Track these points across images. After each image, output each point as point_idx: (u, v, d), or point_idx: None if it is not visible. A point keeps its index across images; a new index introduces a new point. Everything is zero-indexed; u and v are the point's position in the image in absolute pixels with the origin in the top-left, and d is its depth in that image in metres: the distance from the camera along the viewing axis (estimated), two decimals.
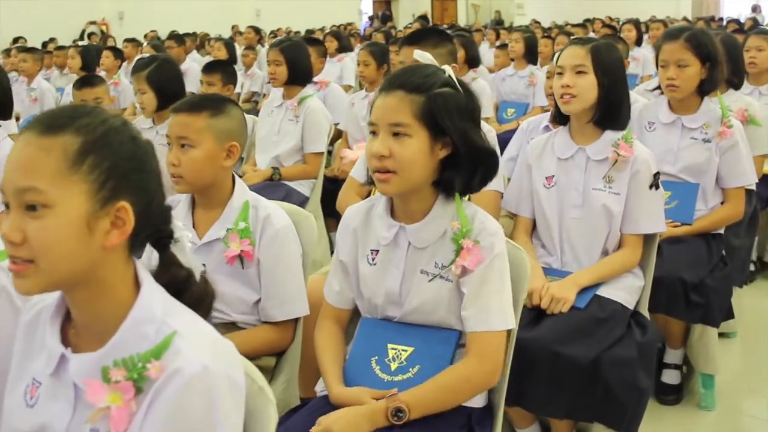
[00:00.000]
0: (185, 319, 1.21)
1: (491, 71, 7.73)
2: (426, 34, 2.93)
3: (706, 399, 3.13)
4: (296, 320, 2.27)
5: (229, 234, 2.18)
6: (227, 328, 2.21)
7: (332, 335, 2.03)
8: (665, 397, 3.16)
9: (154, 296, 1.20)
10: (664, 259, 2.90)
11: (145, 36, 16.59)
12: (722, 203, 3.25)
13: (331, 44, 8.58)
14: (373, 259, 1.94)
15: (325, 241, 4.46)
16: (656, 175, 2.61)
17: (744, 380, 3.45)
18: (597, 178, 2.62)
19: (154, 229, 1.25)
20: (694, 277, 2.91)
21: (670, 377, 3.18)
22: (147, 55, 4.74)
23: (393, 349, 1.92)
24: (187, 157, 2.17)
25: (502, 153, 3.77)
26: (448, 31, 4.28)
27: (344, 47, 8.75)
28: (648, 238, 2.66)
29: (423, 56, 1.95)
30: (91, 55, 6.90)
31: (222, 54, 8.04)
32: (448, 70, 1.85)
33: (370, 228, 1.97)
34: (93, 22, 19.61)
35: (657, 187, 2.62)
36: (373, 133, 1.82)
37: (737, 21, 11.11)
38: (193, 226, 2.25)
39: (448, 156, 1.82)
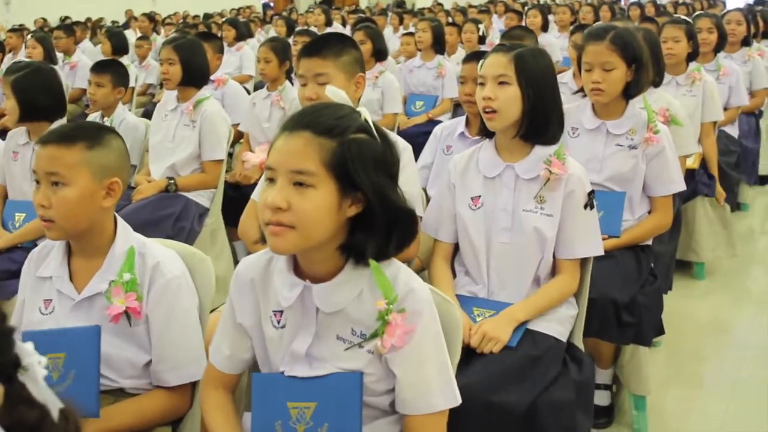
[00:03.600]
0: None
1: (395, 57, 7.49)
2: (326, 42, 2.59)
3: (639, 421, 2.97)
4: (194, 383, 1.96)
5: (112, 287, 1.86)
6: (114, 395, 1.90)
7: (222, 408, 1.74)
8: (596, 421, 2.96)
9: None
10: (594, 278, 2.67)
11: (35, 22, 15.79)
12: (649, 212, 3.08)
13: (229, 33, 8.21)
14: (278, 321, 1.65)
15: (228, 253, 4.16)
16: (590, 193, 2.40)
17: (673, 395, 3.31)
18: (528, 199, 2.39)
19: None
20: (625, 297, 2.73)
21: (601, 398, 3.00)
22: (24, 60, 4.30)
23: (294, 408, 1.63)
24: (58, 197, 1.83)
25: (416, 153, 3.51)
26: (350, 21, 3.98)
27: (242, 35, 8.34)
28: (582, 262, 2.45)
29: (336, 94, 1.64)
30: None
31: (107, 47, 7.51)
32: (365, 113, 1.55)
33: (269, 285, 1.66)
34: None
35: (592, 207, 2.41)
36: (270, 180, 1.51)
37: (639, 4, 11.12)
38: (70, 279, 1.93)
39: (357, 215, 1.52)
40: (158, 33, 11.27)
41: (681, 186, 3.08)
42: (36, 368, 0.96)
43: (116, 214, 1.96)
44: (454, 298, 2.36)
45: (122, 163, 1.95)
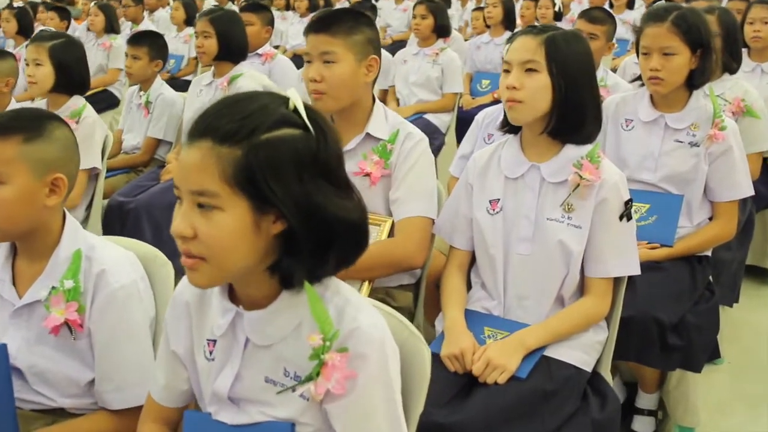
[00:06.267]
0: None
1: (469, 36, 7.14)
2: (337, 18, 2.28)
3: None
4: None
5: (52, 296, 1.64)
6: (54, 415, 1.69)
7: None
8: None
9: None
10: (637, 293, 2.34)
11: None
12: (710, 219, 2.71)
13: (301, 3, 7.99)
14: (210, 353, 1.40)
15: None
16: (628, 202, 2.07)
17: (737, 420, 2.93)
18: (553, 206, 2.08)
19: None
20: (673, 316, 2.38)
21: (643, 425, 2.68)
22: (50, 29, 4.19)
23: None
24: None
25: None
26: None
27: (315, 6, 8.11)
28: (615, 281, 2.12)
29: (257, 79, 1.36)
30: (28, 18, 6.25)
31: (180, 14, 7.39)
32: (294, 95, 1.25)
33: (205, 310, 1.42)
34: None
35: (629, 218, 2.08)
36: (180, 199, 1.25)
37: None
38: (13, 282, 1.72)
39: (287, 230, 1.24)
40: (234, 2, 11.11)
41: (748, 191, 2.69)
42: None
43: (66, 211, 1.74)
44: (461, 314, 2.09)
45: (68, 156, 1.71)
